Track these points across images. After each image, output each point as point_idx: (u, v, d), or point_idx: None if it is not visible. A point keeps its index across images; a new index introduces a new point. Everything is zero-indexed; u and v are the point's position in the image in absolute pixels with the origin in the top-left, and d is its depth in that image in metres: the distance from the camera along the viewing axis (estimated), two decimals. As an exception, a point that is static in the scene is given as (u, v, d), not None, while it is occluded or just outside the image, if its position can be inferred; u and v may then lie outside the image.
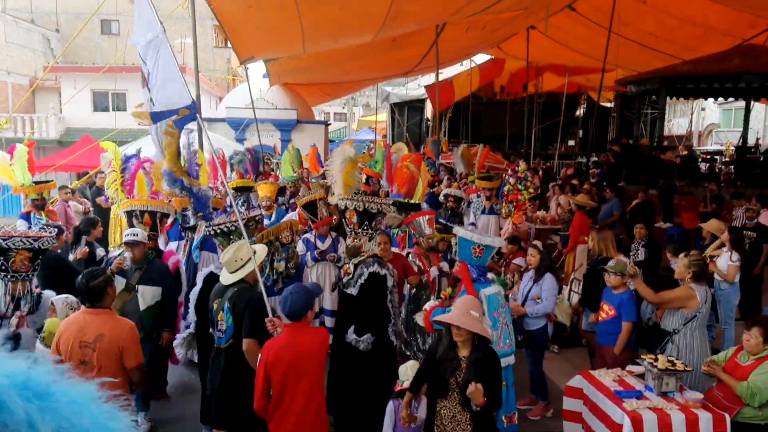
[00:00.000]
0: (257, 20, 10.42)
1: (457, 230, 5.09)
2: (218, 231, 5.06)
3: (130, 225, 5.90)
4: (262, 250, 4.65)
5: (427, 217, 6.72)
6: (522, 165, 10.34)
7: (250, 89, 15.12)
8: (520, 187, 9.78)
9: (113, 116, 23.38)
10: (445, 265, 6.81)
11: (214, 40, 30.27)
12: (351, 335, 4.94)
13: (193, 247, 6.42)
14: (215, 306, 4.33)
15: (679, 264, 5.05)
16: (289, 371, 3.61)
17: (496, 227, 9.89)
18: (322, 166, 14.22)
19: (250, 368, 3.95)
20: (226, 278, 4.35)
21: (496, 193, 10.52)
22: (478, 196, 10.41)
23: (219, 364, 4.30)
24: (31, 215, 7.52)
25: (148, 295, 5.25)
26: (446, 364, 3.56)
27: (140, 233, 5.46)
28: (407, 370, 4.13)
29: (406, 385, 4.02)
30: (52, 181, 8.36)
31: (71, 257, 6.38)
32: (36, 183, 7.86)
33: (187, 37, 24.77)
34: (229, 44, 14.63)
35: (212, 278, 4.82)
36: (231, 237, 4.99)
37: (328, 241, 6.95)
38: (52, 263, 5.80)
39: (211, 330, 4.46)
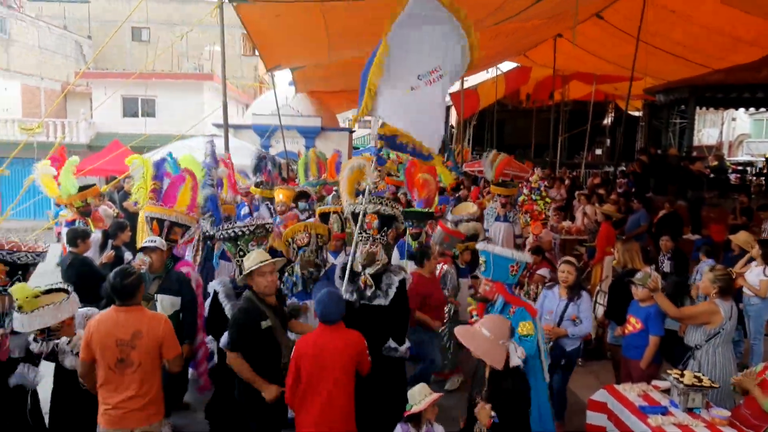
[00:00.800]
0: (284, 29, 10.55)
1: (492, 248, 4.67)
2: (226, 236, 4.96)
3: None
4: (257, 254, 4.38)
5: (446, 233, 6.66)
6: (535, 175, 10.27)
7: (276, 96, 15.30)
8: (534, 197, 9.71)
9: (142, 122, 23.86)
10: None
11: (242, 48, 30.68)
12: (391, 343, 4.83)
13: (216, 255, 6.41)
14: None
15: (704, 279, 4.95)
16: (314, 365, 3.86)
17: (506, 235, 9.85)
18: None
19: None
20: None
21: (512, 202, 10.48)
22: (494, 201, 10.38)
23: None
24: (77, 223, 7.35)
25: (167, 305, 5.15)
26: (476, 381, 3.64)
27: (158, 239, 5.35)
28: (416, 395, 3.92)
29: (416, 409, 3.85)
30: (94, 185, 8.22)
31: (99, 261, 6.49)
32: (79, 189, 7.69)
33: (214, 44, 25.19)
34: (256, 52, 14.81)
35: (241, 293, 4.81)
36: (238, 243, 4.91)
37: (341, 257, 6.58)
38: (77, 266, 5.92)
39: None
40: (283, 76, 18.86)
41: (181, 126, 16.93)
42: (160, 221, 5.66)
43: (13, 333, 3.93)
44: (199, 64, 27.75)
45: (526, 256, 4.81)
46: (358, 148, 33.84)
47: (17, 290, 3.83)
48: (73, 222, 7.52)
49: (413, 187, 8.99)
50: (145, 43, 29.76)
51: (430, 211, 7.83)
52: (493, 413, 3.39)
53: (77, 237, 6.21)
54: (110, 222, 7.61)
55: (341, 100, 23.30)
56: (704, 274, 5.02)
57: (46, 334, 3.92)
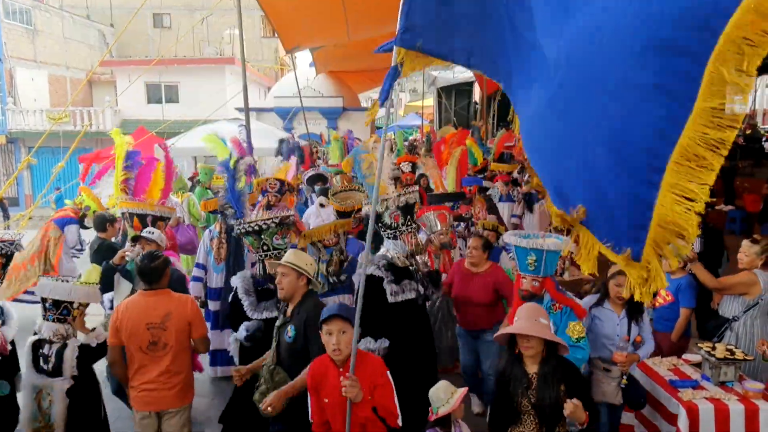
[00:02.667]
0: (302, 9, 10.46)
1: (543, 243, 4.00)
2: (249, 230, 4.53)
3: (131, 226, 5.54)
4: (290, 255, 4.00)
5: (437, 212, 6.18)
6: None
7: (296, 78, 15.24)
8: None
9: (166, 108, 24.07)
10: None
11: (262, 31, 30.58)
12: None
13: (246, 252, 6.01)
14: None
15: (749, 252, 4.74)
16: None
17: (509, 216, 9.57)
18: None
19: None
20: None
21: (514, 180, 10.29)
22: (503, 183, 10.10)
23: None
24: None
25: None
26: (515, 384, 3.13)
27: (157, 233, 5.13)
28: (439, 393, 3.48)
29: (443, 411, 3.39)
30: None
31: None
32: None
33: (234, 28, 25.18)
34: (276, 34, 14.76)
35: (262, 289, 4.57)
36: (261, 236, 4.50)
37: (356, 245, 6.19)
38: (103, 251, 5.98)
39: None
40: (304, 57, 18.83)
41: (204, 110, 17.02)
42: (142, 217, 5.41)
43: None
44: (220, 48, 27.79)
45: (569, 244, 4.30)
46: (380, 128, 33.68)
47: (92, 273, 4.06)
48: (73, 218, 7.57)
49: (443, 165, 8.62)
50: (167, 29, 29.87)
51: (461, 192, 7.54)
52: (576, 401, 2.96)
53: (105, 221, 6.29)
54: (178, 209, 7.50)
55: (362, 79, 23.15)
56: (745, 246, 4.80)
57: (59, 312, 3.83)
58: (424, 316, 4.80)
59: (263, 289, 4.48)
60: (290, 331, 3.70)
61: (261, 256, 4.54)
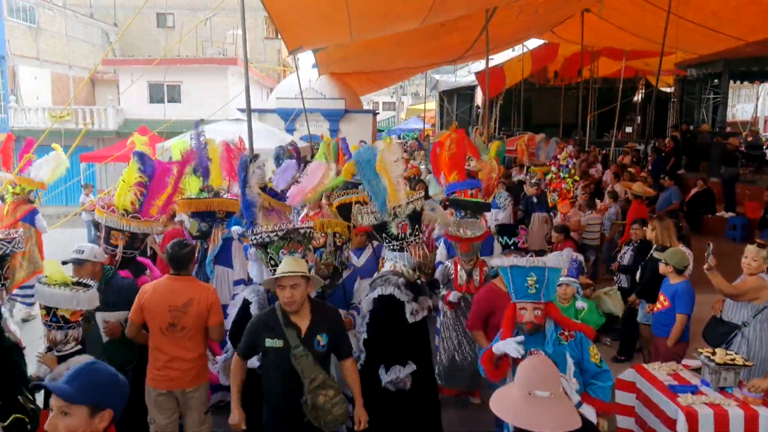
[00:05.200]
0: (305, 9, 10.45)
1: (546, 261, 3.43)
2: (256, 241, 4.14)
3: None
4: (287, 262, 3.77)
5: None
6: (564, 152, 10.02)
7: (299, 79, 15.25)
8: (563, 174, 9.48)
9: (169, 108, 24.08)
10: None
11: (265, 32, 30.64)
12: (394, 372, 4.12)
13: (208, 261, 5.50)
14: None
15: (758, 256, 4.68)
16: None
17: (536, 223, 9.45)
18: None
19: None
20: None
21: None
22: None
23: None
24: None
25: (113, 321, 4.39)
26: None
27: (87, 248, 4.47)
28: None
29: None
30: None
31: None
32: None
33: (237, 28, 25.21)
34: (279, 35, 14.77)
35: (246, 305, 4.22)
36: (267, 250, 4.09)
37: (366, 255, 5.75)
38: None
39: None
40: (307, 59, 18.79)
41: (206, 111, 17.02)
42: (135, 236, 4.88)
43: None
44: (223, 48, 27.83)
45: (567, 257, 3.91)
46: (382, 131, 33.71)
47: (52, 265, 3.77)
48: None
49: (440, 170, 8.20)
50: (171, 29, 29.92)
51: (487, 201, 6.93)
52: None
53: None
54: None
55: (364, 81, 23.17)
56: (752, 252, 4.76)
57: (62, 322, 3.61)
58: (426, 330, 4.53)
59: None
60: (322, 339, 3.59)
61: (270, 271, 4.06)
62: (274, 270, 3.86)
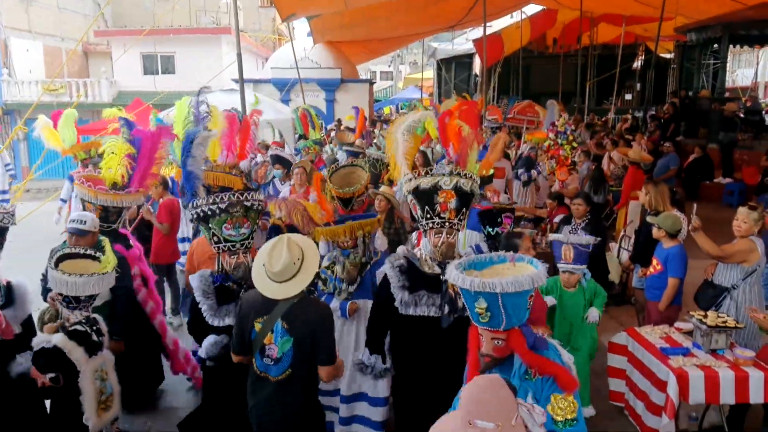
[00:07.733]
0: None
1: (495, 281, 2.46)
2: (194, 215, 3.79)
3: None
4: (310, 245, 3.39)
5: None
6: (561, 119, 9.94)
7: (293, 48, 15.06)
8: (560, 141, 9.42)
9: (161, 79, 23.80)
10: None
11: (260, 0, 30.17)
12: None
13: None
14: (258, 326, 3.23)
15: (748, 218, 4.66)
16: None
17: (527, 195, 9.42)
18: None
19: (310, 404, 3.35)
20: (277, 291, 3.18)
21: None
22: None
23: (267, 398, 3.27)
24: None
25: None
26: None
27: (89, 218, 4.40)
28: None
29: None
30: (98, 140, 8.09)
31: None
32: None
33: (232, -3, 24.83)
34: (272, 2, 14.53)
35: (223, 290, 3.81)
36: (209, 224, 3.73)
37: (379, 241, 4.87)
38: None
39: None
40: (302, 28, 18.55)
41: (200, 82, 16.84)
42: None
43: (3, 307, 3.89)
44: (217, 17, 27.42)
45: (543, 273, 2.55)
46: (380, 101, 33.44)
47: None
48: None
49: (448, 141, 7.84)
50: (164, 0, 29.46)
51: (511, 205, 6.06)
52: None
53: None
54: None
55: (360, 49, 22.90)
56: (743, 214, 4.73)
57: (74, 303, 3.73)
58: (448, 347, 3.43)
59: (221, 286, 3.77)
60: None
61: (214, 249, 3.80)
62: (218, 247, 3.72)
